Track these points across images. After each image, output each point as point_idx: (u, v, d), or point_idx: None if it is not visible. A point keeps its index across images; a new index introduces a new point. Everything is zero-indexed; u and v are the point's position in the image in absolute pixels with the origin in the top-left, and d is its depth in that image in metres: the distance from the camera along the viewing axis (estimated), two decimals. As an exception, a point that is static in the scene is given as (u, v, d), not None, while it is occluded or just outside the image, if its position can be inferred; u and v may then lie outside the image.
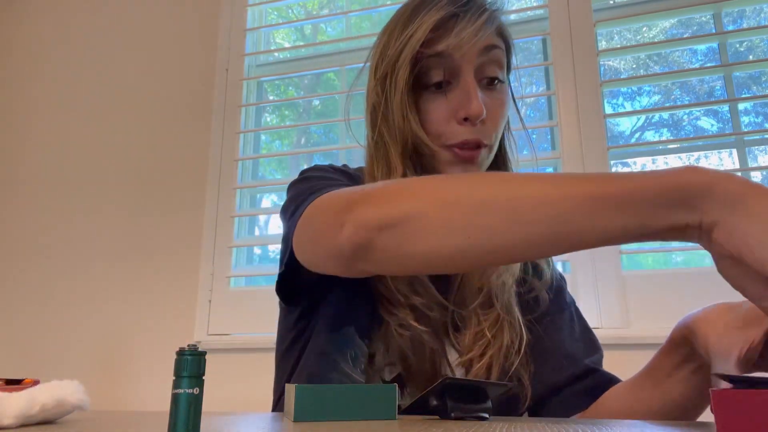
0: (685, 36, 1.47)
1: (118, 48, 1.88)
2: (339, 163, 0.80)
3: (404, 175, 0.66)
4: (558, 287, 0.77)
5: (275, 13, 1.88)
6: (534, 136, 1.50)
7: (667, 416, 0.60)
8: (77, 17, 1.96)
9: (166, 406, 1.50)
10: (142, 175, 1.74)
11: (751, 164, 1.31)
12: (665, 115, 1.45)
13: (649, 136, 1.48)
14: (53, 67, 1.94)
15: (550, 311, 0.74)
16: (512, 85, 0.74)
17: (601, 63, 1.46)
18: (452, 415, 0.48)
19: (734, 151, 1.33)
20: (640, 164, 1.42)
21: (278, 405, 0.73)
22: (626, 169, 1.43)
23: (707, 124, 1.42)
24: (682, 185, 0.38)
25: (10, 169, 1.88)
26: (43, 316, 1.71)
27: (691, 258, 1.34)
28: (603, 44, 1.51)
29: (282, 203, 0.71)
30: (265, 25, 1.79)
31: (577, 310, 0.77)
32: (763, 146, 1.32)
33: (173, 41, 1.82)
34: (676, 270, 1.28)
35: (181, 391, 0.34)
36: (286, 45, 1.91)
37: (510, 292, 0.70)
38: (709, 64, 1.42)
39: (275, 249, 1.66)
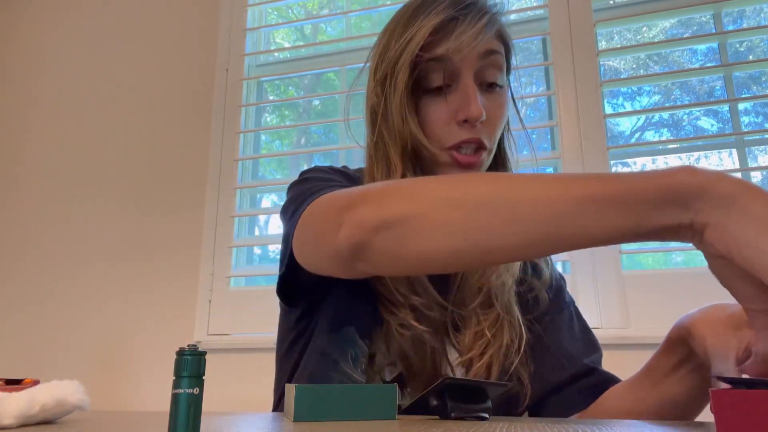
0: (685, 36, 1.47)
1: (118, 48, 1.88)
2: (339, 164, 0.80)
3: (403, 177, 0.66)
4: (557, 287, 0.77)
5: (275, 13, 1.88)
6: (534, 136, 1.50)
7: (665, 416, 0.60)
8: (77, 17, 1.96)
9: (166, 406, 1.50)
10: (142, 175, 1.74)
11: (751, 164, 1.31)
12: (665, 115, 1.45)
13: (649, 136, 1.48)
14: (53, 66, 1.94)
15: (550, 311, 0.74)
16: (512, 85, 0.74)
17: (601, 63, 1.46)
18: (452, 415, 0.48)
19: (734, 151, 1.33)
20: (640, 164, 1.42)
21: (279, 405, 0.73)
22: (626, 169, 1.43)
23: (707, 124, 1.42)
24: (677, 185, 0.38)
25: (10, 169, 1.88)
26: (43, 316, 1.71)
27: (691, 258, 1.34)
28: (603, 44, 1.51)
29: (282, 203, 0.71)
30: (265, 25, 1.79)
31: (576, 309, 0.77)
32: (763, 146, 1.32)
33: (173, 41, 1.82)
34: (676, 270, 1.28)
35: (181, 391, 0.34)
36: (286, 45, 1.91)
37: (510, 292, 0.70)
38: (709, 64, 1.42)
39: (275, 249, 1.66)
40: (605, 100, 1.42)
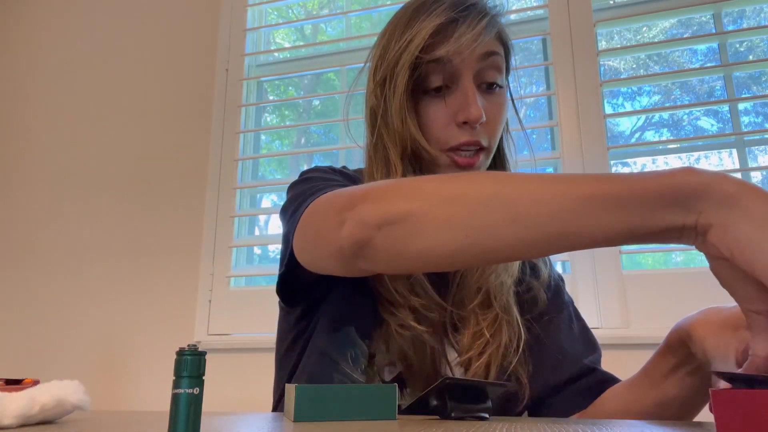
0: (685, 36, 1.47)
1: (118, 48, 1.88)
2: (339, 164, 0.80)
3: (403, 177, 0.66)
4: (556, 287, 0.77)
5: (275, 13, 1.88)
6: (534, 136, 1.50)
7: (663, 416, 0.61)
8: (77, 17, 1.96)
9: (166, 406, 1.50)
10: (142, 175, 1.74)
11: (751, 164, 1.31)
12: (665, 115, 1.45)
13: (649, 136, 1.48)
14: (53, 66, 1.94)
15: (549, 311, 0.74)
16: (511, 85, 0.74)
17: (601, 63, 1.46)
18: (452, 415, 0.48)
19: (734, 151, 1.33)
20: (640, 164, 1.42)
21: (279, 406, 0.73)
22: (626, 169, 1.43)
23: (707, 124, 1.42)
24: (679, 186, 0.38)
25: (9, 170, 1.88)
26: (43, 316, 1.71)
27: (691, 258, 1.34)
28: (603, 44, 1.51)
29: (282, 203, 0.71)
30: (265, 25, 1.79)
31: (575, 309, 0.78)
32: (763, 146, 1.32)
33: (173, 41, 1.82)
34: (676, 270, 1.28)
35: (181, 391, 0.34)
36: (286, 45, 1.91)
37: (508, 292, 0.70)
38: (709, 64, 1.42)
39: (275, 249, 1.66)
40: (605, 100, 1.42)
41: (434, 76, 0.65)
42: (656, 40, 1.49)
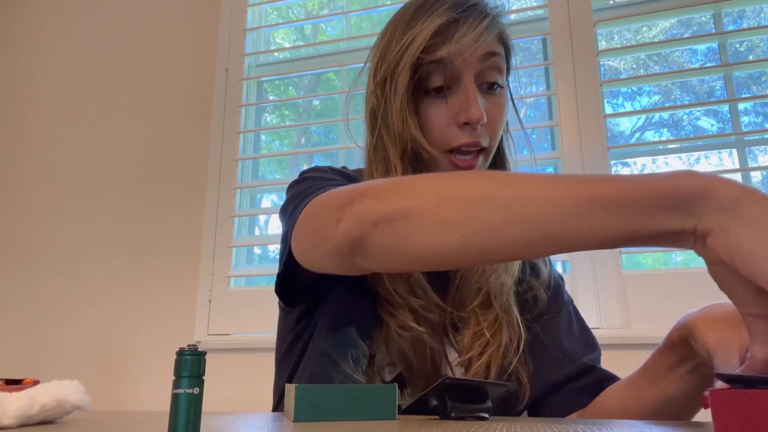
0: (685, 36, 1.47)
1: (118, 48, 1.88)
2: (339, 164, 0.80)
3: None
4: (556, 286, 0.78)
5: (275, 13, 1.88)
6: (534, 136, 1.50)
7: (663, 414, 0.61)
8: (77, 17, 1.96)
9: (166, 406, 1.50)
10: (142, 175, 1.74)
11: (751, 164, 1.31)
12: (665, 115, 1.45)
13: (649, 136, 1.48)
14: (53, 66, 1.94)
15: (549, 310, 0.74)
16: (511, 85, 0.74)
17: (601, 63, 1.46)
18: (452, 415, 0.48)
19: (734, 151, 1.33)
20: (640, 164, 1.42)
21: (279, 406, 0.73)
22: (626, 169, 1.43)
23: (707, 124, 1.42)
24: (678, 190, 0.38)
25: (9, 170, 1.88)
26: (43, 316, 1.71)
27: (691, 258, 1.34)
28: (603, 44, 1.51)
29: (282, 203, 0.71)
30: (265, 25, 1.79)
31: (575, 308, 0.78)
32: (763, 146, 1.32)
33: (173, 41, 1.82)
34: (676, 270, 1.28)
35: (181, 391, 0.34)
36: (286, 45, 1.91)
37: (509, 292, 0.70)
38: (709, 64, 1.41)
39: (275, 249, 1.66)
40: (605, 100, 1.42)
41: (435, 77, 0.65)
42: (656, 40, 1.49)
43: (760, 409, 0.30)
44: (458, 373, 0.67)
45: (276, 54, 1.81)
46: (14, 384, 0.68)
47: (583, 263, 1.31)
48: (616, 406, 0.65)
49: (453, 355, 0.68)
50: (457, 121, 0.65)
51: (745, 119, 1.36)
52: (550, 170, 1.46)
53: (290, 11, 1.90)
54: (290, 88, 1.85)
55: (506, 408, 0.69)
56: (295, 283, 0.66)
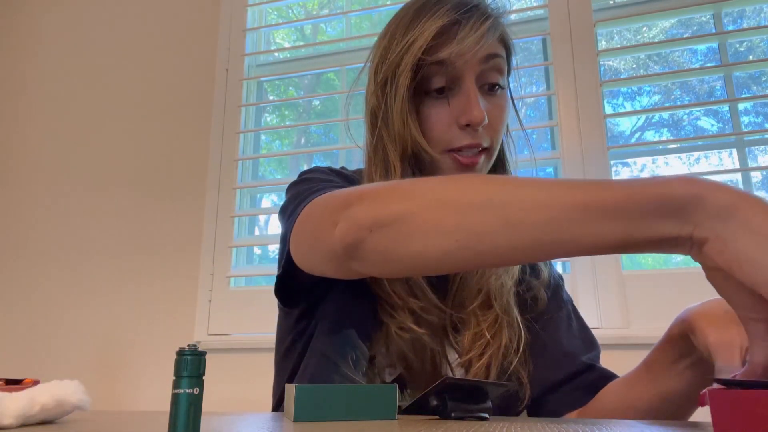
0: (685, 36, 1.47)
1: (118, 47, 1.88)
2: (339, 164, 0.80)
3: (402, 178, 0.66)
4: (555, 285, 0.78)
5: (275, 13, 1.88)
6: (534, 136, 1.50)
7: (663, 410, 0.61)
8: (77, 17, 1.96)
9: (166, 406, 1.50)
10: (142, 175, 1.74)
11: (751, 164, 1.31)
12: (665, 115, 1.45)
13: (649, 136, 1.48)
14: (53, 66, 1.94)
15: (548, 309, 0.74)
16: (511, 85, 0.74)
17: (601, 63, 1.46)
18: (452, 415, 0.48)
19: (734, 151, 1.33)
20: (640, 164, 1.42)
21: (278, 407, 0.73)
22: (626, 170, 1.43)
23: (707, 124, 1.41)
24: (673, 196, 0.37)
25: (9, 170, 1.88)
26: (43, 316, 1.71)
27: (691, 258, 1.34)
28: (603, 44, 1.51)
29: (281, 204, 0.71)
30: (265, 25, 1.79)
31: (574, 308, 0.78)
32: (763, 146, 1.32)
33: (173, 41, 1.82)
34: (676, 270, 1.28)
35: (181, 391, 0.34)
36: (286, 45, 1.91)
37: (509, 293, 0.71)
38: (709, 64, 1.41)
39: (275, 249, 1.66)
40: (605, 100, 1.42)
41: (436, 78, 0.65)
42: (656, 40, 1.49)
43: (759, 409, 0.30)
44: (458, 373, 0.67)
45: (276, 54, 1.81)
46: (14, 384, 0.68)
47: (583, 263, 1.30)
48: (616, 403, 0.65)
49: (453, 356, 0.68)
50: (459, 122, 0.65)
51: (745, 119, 1.36)
52: (550, 170, 1.46)
53: (290, 11, 1.90)
54: (290, 88, 1.85)
55: (506, 408, 0.69)
56: (294, 285, 0.66)
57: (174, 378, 0.34)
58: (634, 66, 1.50)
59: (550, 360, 0.71)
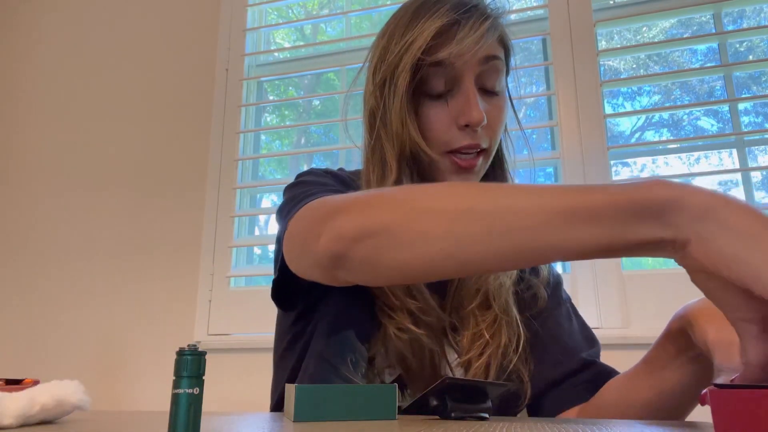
0: (685, 36, 1.47)
1: (118, 47, 1.88)
2: (339, 164, 0.80)
3: (399, 181, 0.66)
4: (555, 283, 0.78)
5: (275, 13, 1.88)
6: (534, 137, 1.50)
7: (663, 405, 0.61)
8: (76, 17, 1.96)
9: (166, 406, 1.50)
10: (142, 175, 1.74)
11: (751, 164, 1.31)
12: (665, 115, 1.45)
13: (649, 136, 1.48)
14: (52, 66, 1.94)
15: (548, 307, 0.74)
16: (511, 85, 0.74)
17: (601, 63, 1.46)
18: (452, 415, 0.48)
19: (734, 151, 1.33)
20: (640, 164, 1.42)
21: (277, 406, 0.73)
22: (626, 170, 1.43)
23: (707, 124, 1.42)
24: (652, 200, 0.38)
25: (8, 170, 1.88)
26: (43, 316, 1.71)
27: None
28: (603, 44, 1.51)
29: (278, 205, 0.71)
30: (265, 25, 1.79)
31: (573, 305, 0.78)
32: (763, 146, 1.32)
33: (173, 41, 1.82)
34: (676, 270, 1.28)
35: (181, 391, 0.34)
36: (286, 45, 1.91)
37: (508, 292, 0.71)
38: (709, 64, 1.41)
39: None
40: (605, 100, 1.42)
41: (435, 79, 0.65)
42: (656, 40, 1.49)
43: (760, 409, 0.30)
44: (458, 373, 0.67)
45: (276, 54, 1.81)
46: (14, 384, 0.68)
47: (583, 263, 1.30)
48: (617, 399, 0.65)
49: (452, 356, 0.68)
50: (458, 123, 0.65)
51: (745, 119, 1.36)
52: (550, 170, 1.47)
53: (290, 11, 1.90)
54: (290, 88, 1.85)
55: (507, 406, 0.69)
56: (291, 287, 0.66)
57: (174, 378, 0.34)
58: (634, 66, 1.50)
59: (551, 357, 0.71)
